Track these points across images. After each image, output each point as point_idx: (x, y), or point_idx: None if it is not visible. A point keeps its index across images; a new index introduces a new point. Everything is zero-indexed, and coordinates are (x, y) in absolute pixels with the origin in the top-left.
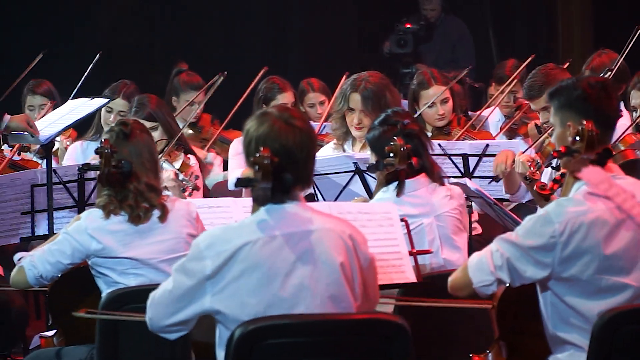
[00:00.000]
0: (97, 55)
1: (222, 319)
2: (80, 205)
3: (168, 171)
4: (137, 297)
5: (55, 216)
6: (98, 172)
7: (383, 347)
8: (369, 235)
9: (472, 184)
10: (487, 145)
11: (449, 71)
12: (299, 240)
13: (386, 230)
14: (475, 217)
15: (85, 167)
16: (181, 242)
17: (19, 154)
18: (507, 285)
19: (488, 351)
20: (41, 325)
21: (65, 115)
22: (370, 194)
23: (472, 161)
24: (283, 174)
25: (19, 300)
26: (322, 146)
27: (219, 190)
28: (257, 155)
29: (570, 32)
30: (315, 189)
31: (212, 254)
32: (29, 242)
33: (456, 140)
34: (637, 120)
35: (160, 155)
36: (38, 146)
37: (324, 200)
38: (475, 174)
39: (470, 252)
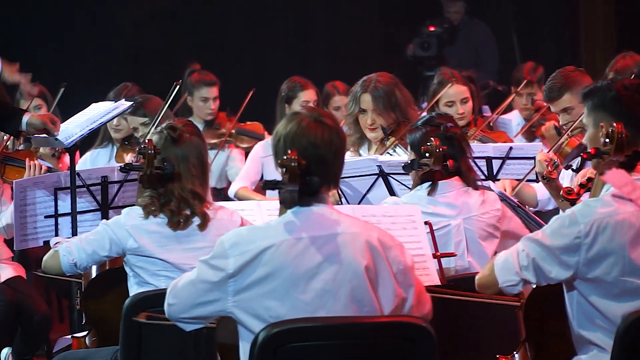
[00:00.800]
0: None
1: (245, 321)
2: (104, 208)
3: None
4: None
5: (79, 219)
6: (139, 173)
7: (407, 350)
8: None
9: (496, 187)
10: (511, 148)
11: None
12: (324, 243)
13: (410, 233)
14: None
15: (127, 168)
16: None
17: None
18: (534, 286)
19: (514, 352)
20: (64, 328)
21: (89, 118)
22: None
23: (496, 164)
24: (310, 177)
25: (42, 304)
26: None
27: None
28: (285, 157)
29: (593, 34)
30: (339, 192)
31: (236, 253)
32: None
33: (472, 139)
34: None
35: None
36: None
37: (348, 203)
38: (499, 177)
39: None
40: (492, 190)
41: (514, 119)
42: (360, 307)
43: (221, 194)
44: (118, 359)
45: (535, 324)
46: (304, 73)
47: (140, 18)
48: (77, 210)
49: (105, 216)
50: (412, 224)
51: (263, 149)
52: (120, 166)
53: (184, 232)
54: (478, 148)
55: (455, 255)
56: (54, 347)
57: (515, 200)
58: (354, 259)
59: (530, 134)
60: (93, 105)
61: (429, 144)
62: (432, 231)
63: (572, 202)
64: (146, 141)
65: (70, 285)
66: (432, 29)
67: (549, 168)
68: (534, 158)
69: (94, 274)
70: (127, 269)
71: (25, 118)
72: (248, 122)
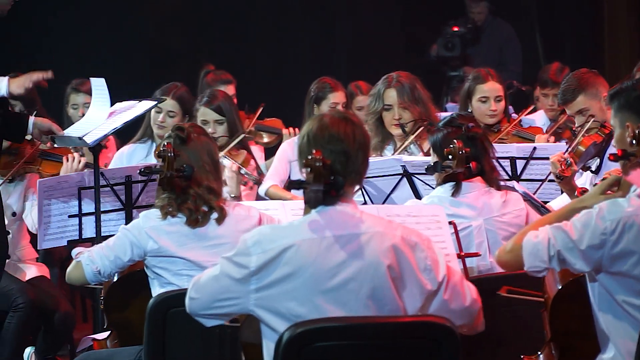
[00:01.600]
0: None
1: (267, 319)
2: (128, 208)
3: (230, 163)
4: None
5: (102, 219)
6: (159, 176)
7: (432, 349)
8: None
9: (520, 187)
10: (535, 148)
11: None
12: (347, 242)
13: (434, 232)
14: None
15: (146, 171)
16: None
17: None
18: (560, 287)
19: (539, 353)
20: (88, 328)
21: (113, 118)
22: (419, 197)
23: (520, 164)
24: (335, 176)
25: (65, 304)
26: None
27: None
28: (310, 157)
29: (617, 34)
30: (364, 192)
31: (259, 251)
32: (75, 245)
33: (506, 132)
34: None
35: (221, 153)
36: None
37: (372, 203)
38: (522, 177)
39: None
40: (516, 191)
41: (539, 120)
42: (381, 307)
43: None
44: (142, 359)
45: (561, 324)
46: (326, 73)
47: (161, 18)
48: (101, 209)
49: (129, 216)
50: (436, 224)
51: (292, 150)
52: (140, 169)
53: (202, 229)
54: (502, 148)
55: (479, 255)
56: (78, 347)
57: (540, 200)
58: (377, 258)
59: (557, 135)
60: (117, 104)
61: (451, 146)
62: (456, 231)
63: None
64: (165, 144)
65: None
66: (455, 29)
67: (562, 167)
68: None
69: (115, 277)
70: (148, 272)
71: (31, 121)
72: (267, 119)
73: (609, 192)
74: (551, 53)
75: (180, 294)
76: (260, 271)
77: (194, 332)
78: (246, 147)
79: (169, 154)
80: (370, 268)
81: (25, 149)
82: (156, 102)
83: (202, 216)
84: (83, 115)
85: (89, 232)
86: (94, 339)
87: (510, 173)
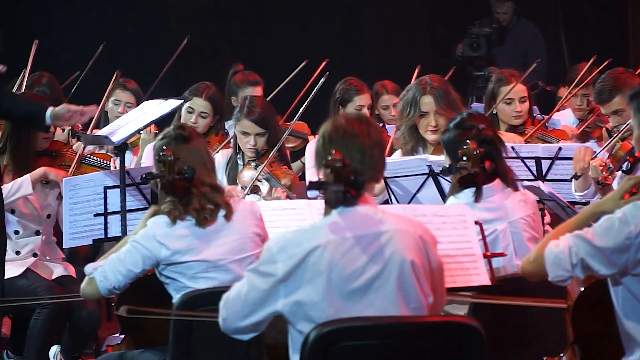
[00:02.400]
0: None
1: (294, 321)
2: None
3: (280, 192)
4: (211, 299)
5: (128, 218)
6: (160, 180)
7: (457, 350)
8: (443, 237)
9: (545, 187)
10: (560, 149)
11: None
12: (370, 242)
13: (460, 232)
14: (547, 219)
15: (148, 177)
16: (248, 241)
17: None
18: (582, 289)
19: (562, 354)
20: (113, 326)
21: (139, 116)
22: (445, 197)
23: (545, 164)
24: (356, 176)
25: (90, 302)
26: (394, 150)
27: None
28: (329, 158)
29: None
30: (390, 192)
31: (284, 257)
32: (101, 244)
33: (530, 136)
34: None
35: (263, 165)
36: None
37: (398, 202)
38: (548, 177)
39: None
40: (542, 191)
41: (567, 119)
42: (408, 304)
43: None
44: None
45: (584, 326)
46: (352, 73)
47: (186, 15)
48: (127, 208)
49: None
50: (462, 224)
51: None
52: (141, 175)
53: (212, 228)
54: (527, 148)
55: (505, 255)
56: (103, 345)
57: (565, 200)
58: (400, 255)
59: (585, 135)
60: (144, 103)
61: (465, 146)
62: (482, 231)
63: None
64: (164, 148)
65: None
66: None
67: (604, 173)
68: None
69: None
70: (162, 279)
71: (49, 111)
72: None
73: (626, 195)
74: (576, 53)
75: (206, 294)
76: (289, 277)
77: (220, 332)
78: (285, 158)
79: (169, 158)
80: (395, 266)
81: (66, 152)
82: (183, 100)
83: (209, 214)
84: (121, 113)
85: (114, 231)
86: (108, 345)
87: (535, 173)
